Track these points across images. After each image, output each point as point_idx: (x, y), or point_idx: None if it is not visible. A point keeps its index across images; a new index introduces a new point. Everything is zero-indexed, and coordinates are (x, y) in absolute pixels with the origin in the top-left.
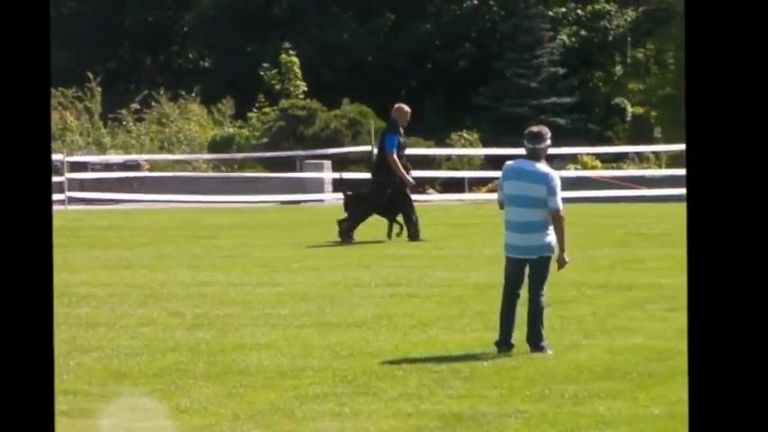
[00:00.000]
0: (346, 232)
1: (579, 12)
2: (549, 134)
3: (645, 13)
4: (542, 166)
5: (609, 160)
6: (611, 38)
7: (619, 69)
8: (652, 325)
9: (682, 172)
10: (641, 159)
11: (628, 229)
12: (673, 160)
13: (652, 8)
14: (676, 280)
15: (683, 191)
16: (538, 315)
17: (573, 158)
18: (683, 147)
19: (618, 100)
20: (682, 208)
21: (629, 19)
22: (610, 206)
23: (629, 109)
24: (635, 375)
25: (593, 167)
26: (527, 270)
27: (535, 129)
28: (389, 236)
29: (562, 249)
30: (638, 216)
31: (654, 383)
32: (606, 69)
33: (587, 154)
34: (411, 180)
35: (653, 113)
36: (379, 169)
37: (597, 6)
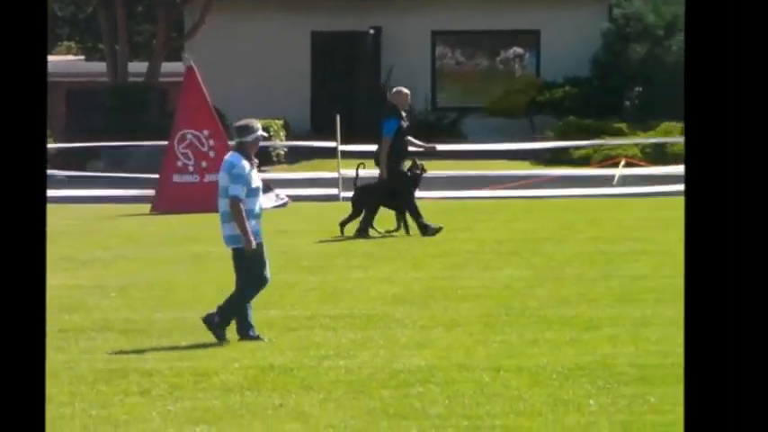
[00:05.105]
0: (363, 229)
1: None
2: (257, 127)
3: None
4: (232, 156)
5: None
6: None
7: None
8: None
9: None
10: None
11: None
12: None
13: None
14: None
15: None
16: (230, 303)
17: None
18: None
19: None
20: None
21: None
22: None
23: None
24: None
25: None
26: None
27: (242, 122)
28: (406, 230)
29: (244, 236)
30: None
31: None
32: None
33: None
34: (385, 173)
35: None
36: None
37: None
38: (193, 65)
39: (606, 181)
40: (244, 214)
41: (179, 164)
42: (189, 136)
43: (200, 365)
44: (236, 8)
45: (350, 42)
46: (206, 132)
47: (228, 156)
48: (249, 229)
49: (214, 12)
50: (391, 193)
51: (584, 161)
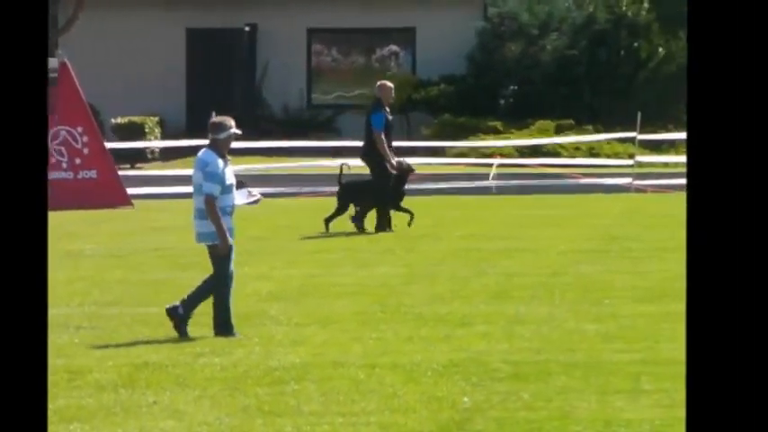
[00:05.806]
0: (358, 219)
1: None
2: (230, 124)
3: None
4: (205, 154)
5: None
6: None
7: None
8: None
9: None
10: None
11: None
12: None
13: None
14: None
15: None
16: (199, 298)
17: None
18: None
19: None
20: None
21: None
22: None
23: None
24: None
25: None
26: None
27: (216, 119)
28: (389, 226)
29: (219, 234)
30: None
31: None
32: None
33: None
34: (393, 162)
35: None
36: (370, 153)
37: None
38: (67, 61)
39: (481, 178)
40: (218, 212)
41: (52, 160)
42: (63, 132)
43: (74, 363)
44: (110, 4)
45: (225, 39)
46: (80, 129)
47: (201, 153)
48: (225, 227)
49: (88, 7)
50: (378, 190)
51: (460, 158)
